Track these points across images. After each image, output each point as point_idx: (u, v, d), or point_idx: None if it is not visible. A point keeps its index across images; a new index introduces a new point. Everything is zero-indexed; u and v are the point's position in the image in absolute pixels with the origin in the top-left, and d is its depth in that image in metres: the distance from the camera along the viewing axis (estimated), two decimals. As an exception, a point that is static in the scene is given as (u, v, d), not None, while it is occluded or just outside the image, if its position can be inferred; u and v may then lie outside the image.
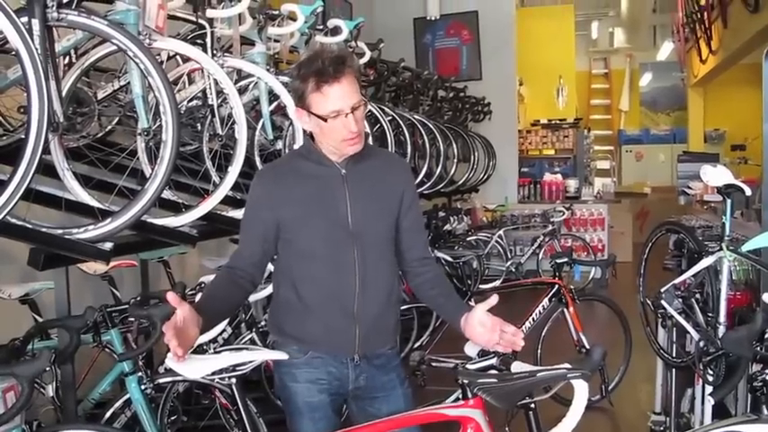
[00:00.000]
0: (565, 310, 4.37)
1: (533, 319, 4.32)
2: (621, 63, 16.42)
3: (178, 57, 3.61)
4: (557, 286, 4.37)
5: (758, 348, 1.92)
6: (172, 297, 1.77)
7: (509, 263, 8.21)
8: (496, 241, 8.06)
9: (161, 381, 2.91)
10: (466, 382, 1.61)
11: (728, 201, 3.24)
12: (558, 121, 11.28)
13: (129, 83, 2.78)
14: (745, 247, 3.24)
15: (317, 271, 2.08)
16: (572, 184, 9.81)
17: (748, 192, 3.26)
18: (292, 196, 2.08)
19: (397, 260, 2.24)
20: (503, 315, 2.03)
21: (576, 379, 1.57)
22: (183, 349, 1.75)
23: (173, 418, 3.38)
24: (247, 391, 3.02)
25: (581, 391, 1.65)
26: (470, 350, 2.01)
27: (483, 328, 2.00)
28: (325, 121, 1.98)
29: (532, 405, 1.66)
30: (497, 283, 7.48)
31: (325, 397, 2.13)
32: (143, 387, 2.84)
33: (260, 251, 2.14)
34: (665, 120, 16.34)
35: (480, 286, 6.51)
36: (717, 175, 3.23)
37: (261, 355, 2.30)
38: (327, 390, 2.13)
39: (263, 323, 3.74)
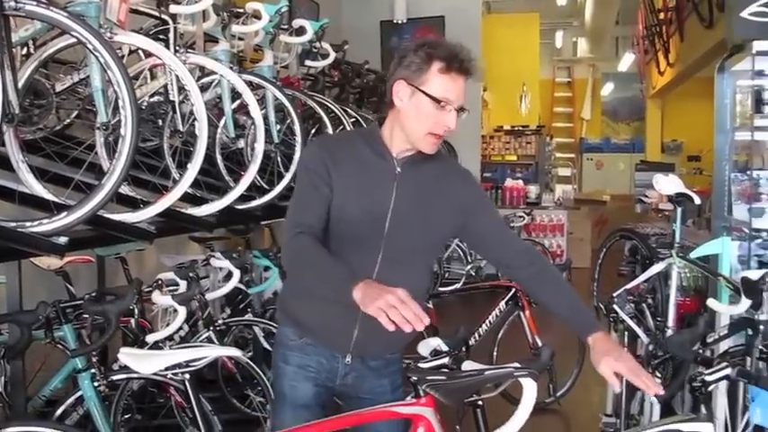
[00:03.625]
0: (521, 313, 4.45)
1: (490, 321, 4.40)
2: (584, 72, 16.70)
3: (140, 51, 3.58)
4: (513, 290, 4.44)
5: (699, 351, 1.98)
6: None
7: (469, 266, 8.28)
8: (457, 245, 8.12)
9: (114, 378, 2.86)
10: (415, 379, 1.63)
11: (679, 209, 3.34)
12: (520, 128, 11.43)
13: (88, 76, 2.76)
14: (694, 254, 3.35)
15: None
16: (533, 189, 9.96)
17: (697, 200, 3.37)
18: (341, 176, 1.97)
19: (498, 265, 2.22)
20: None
21: (523, 377, 1.60)
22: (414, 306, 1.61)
23: (126, 416, 3.35)
24: (204, 391, 3.01)
25: (529, 390, 1.68)
26: (423, 350, 2.04)
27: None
28: (439, 103, 1.90)
29: (480, 402, 1.69)
30: (458, 286, 7.55)
31: (311, 386, 2.09)
32: (96, 384, 2.78)
33: (325, 216, 1.97)
34: (626, 129, 16.66)
35: (440, 289, 6.56)
36: (668, 183, 3.34)
37: (214, 352, 2.30)
38: (314, 379, 2.09)
39: (220, 321, 3.73)
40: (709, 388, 1.93)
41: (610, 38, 15.79)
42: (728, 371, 1.87)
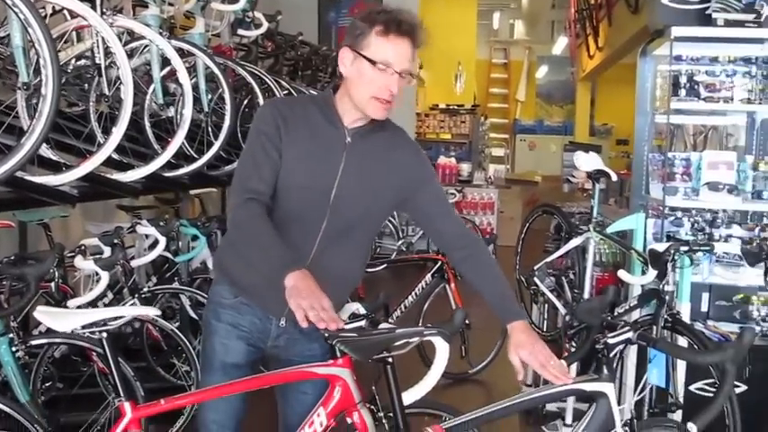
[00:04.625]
0: (446, 285, 4.56)
1: (416, 293, 4.50)
2: (520, 54, 16.92)
3: (65, 12, 3.49)
4: (440, 263, 4.55)
5: (606, 317, 2.09)
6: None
7: (400, 242, 8.40)
8: (389, 221, 8.22)
9: (34, 343, 2.83)
10: (327, 335, 1.68)
11: (597, 185, 3.48)
12: (455, 107, 11.56)
13: (8, 35, 2.68)
14: (610, 229, 3.51)
15: (278, 227, 1.91)
16: (465, 168, 10.12)
17: (614, 177, 3.52)
18: (291, 141, 1.97)
19: (436, 242, 2.30)
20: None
21: (432, 336, 1.68)
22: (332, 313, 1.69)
23: (47, 384, 3.31)
24: (130, 360, 2.99)
25: (442, 350, 1.76)
26: (343, 314, 2.08)
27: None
28: (374, 65, 1.89)
29: (390, 360, 1.75)
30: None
31: (242, 345, 2.09)
32: (14, 349, 2.74)
33: (273, 181, 1.96)
34: (559, 112, 16.99)
35: (369, 262, 6.64)
36: (587, 160, 3.46)
37: (132, 311, 2.30)
38: (246, 338, 2.10)
39: (145, 289, 3.71)
40: (613, 351, 2.04)
41: (545, 21, 16.07)
42: (629, 334, 1.98)
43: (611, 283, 3.94)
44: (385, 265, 5.37)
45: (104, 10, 3.24)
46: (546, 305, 4.14)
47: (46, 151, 2.98)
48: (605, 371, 1.96)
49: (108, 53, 3.18)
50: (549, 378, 1.95)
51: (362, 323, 1.94)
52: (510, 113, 16.95)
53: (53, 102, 2.36)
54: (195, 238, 4.26)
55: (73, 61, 3.48)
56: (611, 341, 1.97)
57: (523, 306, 4.12)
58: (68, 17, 3.49)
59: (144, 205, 5.23)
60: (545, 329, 4.11)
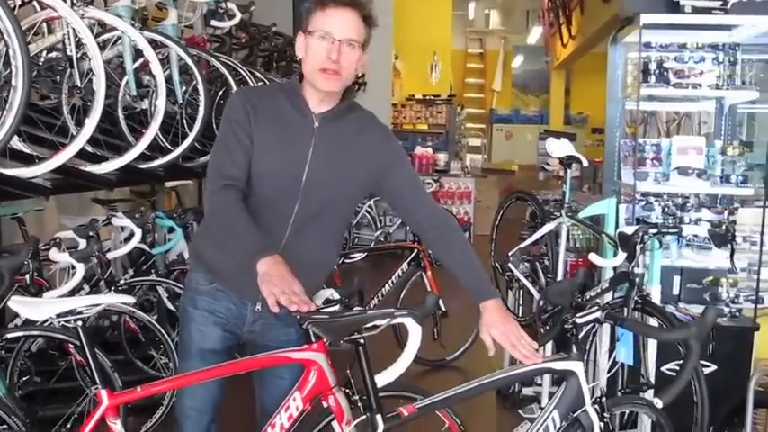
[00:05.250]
0: (423, 273, 4.60)
1: (393, 281, 4.53)
2: (496, 44, 16.99)
3: (35, 3, 3.47)
4: (416, 251, 4.59)
5: (576, 298, 2.13)
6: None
7: (378, 232, 8.43)
8: (366, 211, 8.25)
9: (9, 336, 2.83)
10: (298, 318, 1.71)
11: (569, 171, 3.53)
12: (432, 97, 11.59)
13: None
14: (582, 214, 3.57)
15: (252, 212, 1.93)
16: (442, 158, 10.17)
17: (585, 162, 3.57)
18: (260, 129, 2.01)
19: (409, 224, 2.30)
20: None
21: (403, 318, 1.71)
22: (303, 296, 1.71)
23: (25, 378, 3.30)
24: (109, 354, 2.99)
25: (414, 333, 1.78)
26: (317, 299, 2.11)
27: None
28: (314, 35, 1.95)
29: (362, 341, 1.78)
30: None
31: (219, 330, 2.12)
32: (-11, 343, 2.76)
33: (247, 168, 1.99)
34: (534, 101, 17.12)
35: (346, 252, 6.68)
36: (559, 146, 3.51)
37: (106, 299, 2.30)
38: (222, 324, 2.12)
39: (122, 281, 3.70)
40: (582, 331, 2.09)
41: (520, 10, 16.14)
42: (597, 314, 2.03)
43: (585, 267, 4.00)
44: (364, 255, 5.41)
45: (75, 1, 3.23)
46: (521, 291, 4.19)
47: (18, 144, 2.96)
48: (574, 350, 2.01)
49: (79, 45, 3.17)
50: (519, 357, 2.01)
51: (336, 308, 1.96)
52: (486, 103, 17.03)
53: (24, 93, 2.36)
54: (171, 229, 4.26)
55: (44, 53, 3.45)
56: (579, 321, 2.02)
57: (499, 292, 4.17)
58: (38, 8, 3.46)
59: (119, 198, 5.22)
60: (520, 315, 4.17)
